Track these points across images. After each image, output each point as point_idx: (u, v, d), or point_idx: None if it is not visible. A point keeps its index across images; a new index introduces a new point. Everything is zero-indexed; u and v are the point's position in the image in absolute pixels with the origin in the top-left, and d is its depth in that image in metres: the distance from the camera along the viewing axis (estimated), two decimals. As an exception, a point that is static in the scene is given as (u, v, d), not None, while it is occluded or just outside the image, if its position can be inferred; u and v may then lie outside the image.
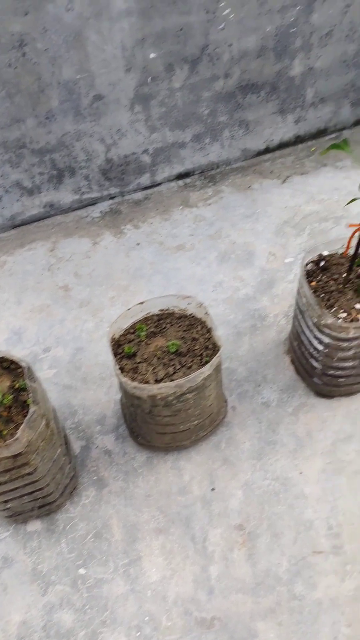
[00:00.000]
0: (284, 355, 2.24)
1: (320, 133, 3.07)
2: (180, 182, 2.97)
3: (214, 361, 1.66)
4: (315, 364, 1.96)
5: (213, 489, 1.92)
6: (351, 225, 1.63)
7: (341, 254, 1.96)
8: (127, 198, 2.93)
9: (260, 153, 3.02)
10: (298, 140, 3.04)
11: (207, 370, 1.64)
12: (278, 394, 2.13)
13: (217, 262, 2.60)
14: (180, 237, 2.73)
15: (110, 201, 2.92)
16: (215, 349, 1.75)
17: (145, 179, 2.87)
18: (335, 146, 1.53)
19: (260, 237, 2.69)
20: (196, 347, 1.77)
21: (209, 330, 1.81)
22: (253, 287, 2.49)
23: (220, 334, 2.33)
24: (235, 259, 2.61)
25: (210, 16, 2.30)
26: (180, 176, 2.95)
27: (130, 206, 2.90)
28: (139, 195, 2.94)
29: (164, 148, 2.76)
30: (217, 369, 1.73)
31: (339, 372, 1.94)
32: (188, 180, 2.97)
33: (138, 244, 2.72)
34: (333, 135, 3.11)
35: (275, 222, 2.74)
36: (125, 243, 2.73)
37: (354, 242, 1.82)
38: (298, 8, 2.40)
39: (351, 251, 1.90)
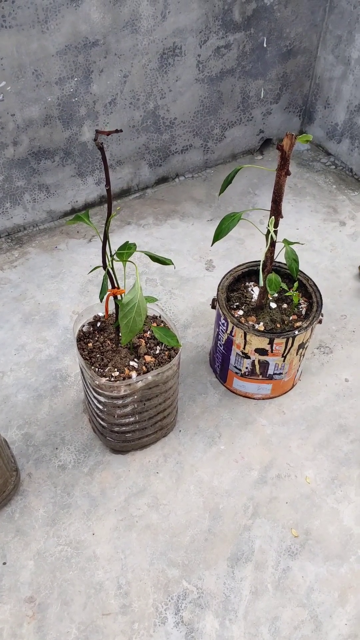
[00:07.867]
0: (83, 414, 2.26)
1: (124, 193, 3.20)
2: (-14, 246, 2.96)
3: (-21, 434, 1.64)
4: (102, 422, 2.00)
5: (4, 563, 1.87)
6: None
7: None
8: None
9: (66, 214, 3.09)
10: (103, 200, 3.15)
11: (-29, 444, 1.62)
12: (75, 455, 2.14)
13: (20, 325, 2.59)
14: (-17, 302, 2.70)
15: None
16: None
17: None
18: (78, 217, 1.62)
19: (65, 296, 2.72)
20: (-33, 421, 1.74)
21: (-18, 402, 1.79)
22: (56, 348, 2.51)
23: (20, 398, 2.31)
24: (40, 319, 2.62)
25: (-15, 89, 2.35)
26: (-14, 240, 2.93)
27: None
28: None
29: None
30: (-11, 440, 1.71)
31: (124, 428, 1.99)
32: (-6, 243, 2.97)
33: None
34: (137, 194, 3.26)
35: (80, 281, 2.80)
36: None
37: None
38: (76, 80, 2.52)
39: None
